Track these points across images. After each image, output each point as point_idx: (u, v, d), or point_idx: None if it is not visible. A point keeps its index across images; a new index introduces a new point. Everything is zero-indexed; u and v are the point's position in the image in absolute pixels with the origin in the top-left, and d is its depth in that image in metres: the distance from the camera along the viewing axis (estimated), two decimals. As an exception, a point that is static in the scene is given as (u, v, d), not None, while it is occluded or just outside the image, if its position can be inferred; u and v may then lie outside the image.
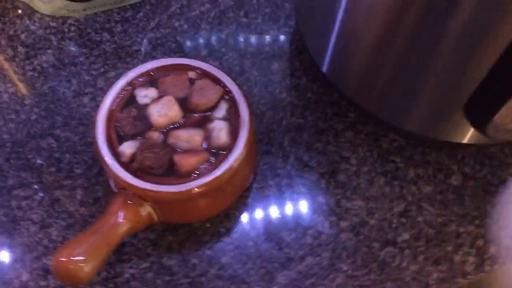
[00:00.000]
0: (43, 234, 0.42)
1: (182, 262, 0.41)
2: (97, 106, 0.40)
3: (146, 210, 0.38)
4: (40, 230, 0.42)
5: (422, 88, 0.39)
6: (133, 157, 0.38)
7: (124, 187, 0.37)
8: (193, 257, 0.42)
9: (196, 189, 0.36)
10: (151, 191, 0.36)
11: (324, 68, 0.48)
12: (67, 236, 0.42)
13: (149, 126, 0.39)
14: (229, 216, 0.44)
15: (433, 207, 0.44)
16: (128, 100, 0.41)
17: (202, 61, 0.42)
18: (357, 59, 0.42)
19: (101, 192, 0.44)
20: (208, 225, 0.43)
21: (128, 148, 0.38)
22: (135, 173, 0.37)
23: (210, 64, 0.42)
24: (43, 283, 0.40)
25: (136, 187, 0.36)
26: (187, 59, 0.43)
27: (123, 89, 0.41)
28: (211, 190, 0.37)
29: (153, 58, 0.52)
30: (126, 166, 0.38)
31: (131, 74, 0.41)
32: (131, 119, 0.40)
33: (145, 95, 0.41)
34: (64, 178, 0.45)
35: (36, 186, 0.44)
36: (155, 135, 0.39)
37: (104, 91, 0.48)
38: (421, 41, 0.35)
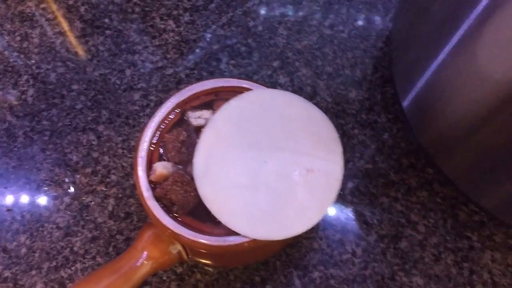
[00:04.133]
0: (66, 242, 0.39)
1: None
2: (147, 106, 0.35)
3: (177, 249, 0.33)
4: (63, 238, 0.39)
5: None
6: (162, 180, 0.33)
7: (158, 226, 0.32)
8: (219, 306, 0.37)
9: (246, 244, 0.31)
10: (194, 241, 0.31)
11: (407, 109, 0.41)
12: (90, 250, 0.38)
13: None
14: (268, 264, 0.39)
15: (506, 307, 0.38)
16: (179, 119, 0.36)
17: (270, 84, 0.36)
18: (447, 112, 0.35)
19: (134, 207, 0.40)
20: (242, 271, 0.38)
21: (162, 168, 0.33)
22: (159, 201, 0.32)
23: (279, 90, 0.36)
24: (56, 299, 0.37)
25: (172, 231, 0.32)
26: (253, 83, 0.36)
27: (176, 107, 0.36)
28: (262, 244, 0.32)
29: (218, 60, 0.46)
30: (151, 185, 0.33)
31: (188, 92, 0.36)
32: (178, 143, 0.34)
33: (199, 115, 0.35)
34: (98, 183, 0.41)
35: (67, 186, 0.41)
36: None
37: (157, 90, 0.43)
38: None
